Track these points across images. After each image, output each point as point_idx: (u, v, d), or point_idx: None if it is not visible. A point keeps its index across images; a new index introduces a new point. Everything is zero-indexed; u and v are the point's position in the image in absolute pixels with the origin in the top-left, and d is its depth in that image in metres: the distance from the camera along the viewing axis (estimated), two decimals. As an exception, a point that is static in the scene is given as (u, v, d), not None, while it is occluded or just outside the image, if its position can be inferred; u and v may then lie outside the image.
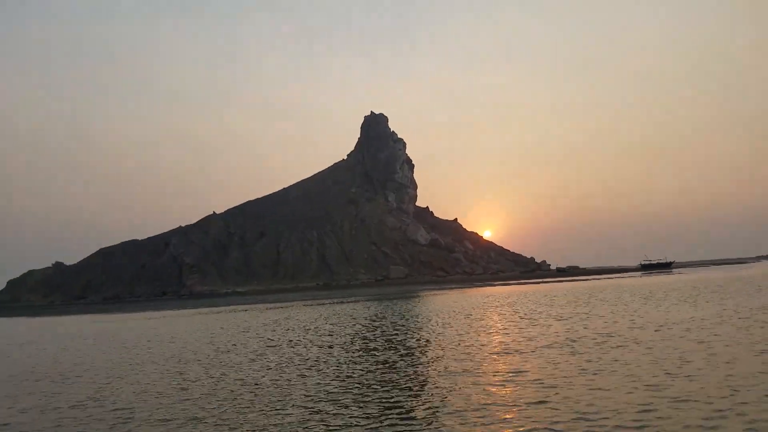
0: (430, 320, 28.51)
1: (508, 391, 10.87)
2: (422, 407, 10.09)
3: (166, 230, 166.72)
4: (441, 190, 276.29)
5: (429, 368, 14.08)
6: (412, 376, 13.04)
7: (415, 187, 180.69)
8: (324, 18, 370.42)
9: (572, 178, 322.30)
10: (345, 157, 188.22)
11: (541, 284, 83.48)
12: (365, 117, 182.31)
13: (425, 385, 12.03)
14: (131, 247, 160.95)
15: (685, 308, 26.67)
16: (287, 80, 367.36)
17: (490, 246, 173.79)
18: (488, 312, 31.44)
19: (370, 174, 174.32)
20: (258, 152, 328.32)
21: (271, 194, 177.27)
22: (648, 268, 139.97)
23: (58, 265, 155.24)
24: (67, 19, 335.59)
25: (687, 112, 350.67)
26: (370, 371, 14.10)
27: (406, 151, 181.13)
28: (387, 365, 14.90)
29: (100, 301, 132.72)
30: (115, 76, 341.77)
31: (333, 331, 25.54)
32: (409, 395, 11.10)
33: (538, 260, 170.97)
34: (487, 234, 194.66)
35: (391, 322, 28.45)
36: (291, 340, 22.77)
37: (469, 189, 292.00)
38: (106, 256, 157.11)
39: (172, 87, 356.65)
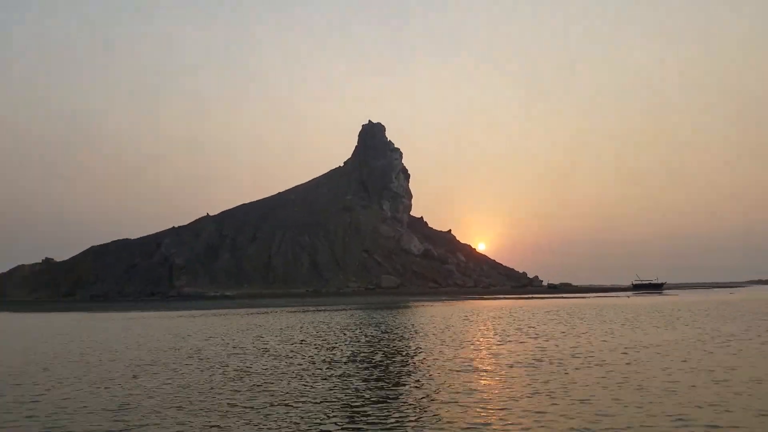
0: (405, 333, 28.07)
1: (449, 413, 10.46)
2: (351, 426, 9.66)
3: (159, 230, 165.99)
4: (436, 200, 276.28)
5: (381, 384, 13.65)
6: (359, 392, 12.61)
7: (410, 197, 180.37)
8: (326, 24, 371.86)
9: (571, 194, 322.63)
10: (342, 165, 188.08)
11: (529, 300, 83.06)
12: (363, 126, 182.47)
13: (368, 402, 11.60)
14: (123, 246, 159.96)
15: (661, 331, 26.31)
16: (288, 85, 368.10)
17: (483, 259, 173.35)
18: (467, 326, 31.01)
19: (365, 182, 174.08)
20: (255, 156, 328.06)
21: (265, 198, 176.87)
22: (639, 288, 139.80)
23: (47, 261, 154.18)
24: (69, 16, 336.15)
25: (691, 136, 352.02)
26: (316, 384, 13.66)
27: (403, 162, 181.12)
28: (339, 379, 14.46)
29: (88, 298, 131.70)
30: (114, 75, 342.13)
31: (302, 340, 25.08)
32: (344, 413, 10.66)
33: (530, 275, 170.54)
34: (481, 246, 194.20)
35: (367, 334, 27.99)
36: (249, 350, 22.30)
37: (464, 200, 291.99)
38: (96, 253, 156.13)
39: (174, 88, 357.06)
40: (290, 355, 19.84)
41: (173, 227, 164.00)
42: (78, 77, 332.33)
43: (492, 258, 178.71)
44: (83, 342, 27.13)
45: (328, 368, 16.39)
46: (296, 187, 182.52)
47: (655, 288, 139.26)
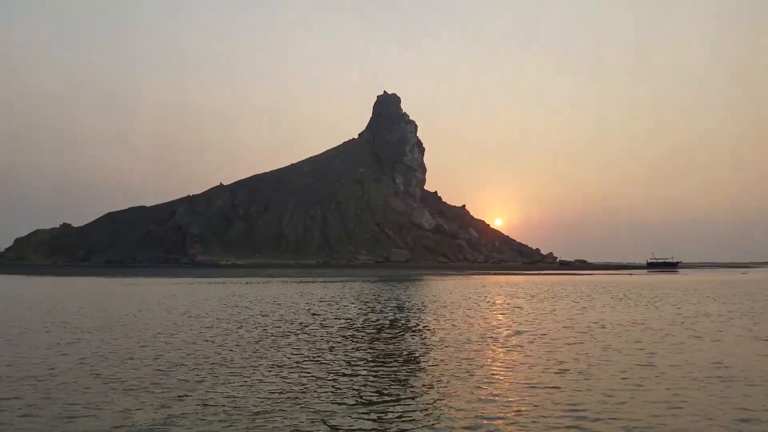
0: (380, 308, 27.36)
1: (341, 387, 9.63)
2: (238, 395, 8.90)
3: (174, 198, 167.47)
4: (451, 175, 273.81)
5: (285, 349, 12.89)
6: (275, 366, 11.87)
7: (424, 170, 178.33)
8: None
9: (592, 172, 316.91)
10: (356, 137, 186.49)
11: (534, 276, 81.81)
12: (377, 97, 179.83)
13: (261, 365, 10.84)
14: (138, 213, 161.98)
15: (640, 310, 25.12)
16: (305, 55, 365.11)
17: (495, 234, 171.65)
18: (446, 304, 30.14)
19: (379, 155, 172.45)
20: (270, 126, 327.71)
21: (279, 169, 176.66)
22: (654, 266, 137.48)
23: (65, 227, 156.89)
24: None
25: (707, 115, 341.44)
26: (251, 354, 12.95)
27: (418, 134, 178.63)
28: (278, 349, 13.75)
29: (103, 264, 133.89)
30: (138, 40, 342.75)
31: (267, 312, 24.51)
32: (250, 384, 9.92)
33: (545, 252, 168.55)
34: (497, 222, 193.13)
35: (344, 307, 27.36)
36: (212, 318, 21.79)
37: (480, 176, 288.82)
38: (113, 220, 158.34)
39: (191, 58, 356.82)
40: (242, 324, 19.22)
41: (188, 196, 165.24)
42: (100, 45, 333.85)
43: (506, 234, 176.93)
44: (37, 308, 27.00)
45: (276, 339, 15.68)
46: (310, 158, 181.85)
47: (670, 267, 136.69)
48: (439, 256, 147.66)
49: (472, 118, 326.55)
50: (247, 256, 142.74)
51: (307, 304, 27.76)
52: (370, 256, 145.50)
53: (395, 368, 11.48)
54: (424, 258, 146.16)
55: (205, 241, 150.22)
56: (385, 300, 30.71)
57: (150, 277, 69.18)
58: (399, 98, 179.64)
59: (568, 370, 11.35)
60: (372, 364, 11.93)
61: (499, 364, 11.89)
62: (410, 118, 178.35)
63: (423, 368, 11.54)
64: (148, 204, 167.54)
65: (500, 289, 42.74)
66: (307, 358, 12.56)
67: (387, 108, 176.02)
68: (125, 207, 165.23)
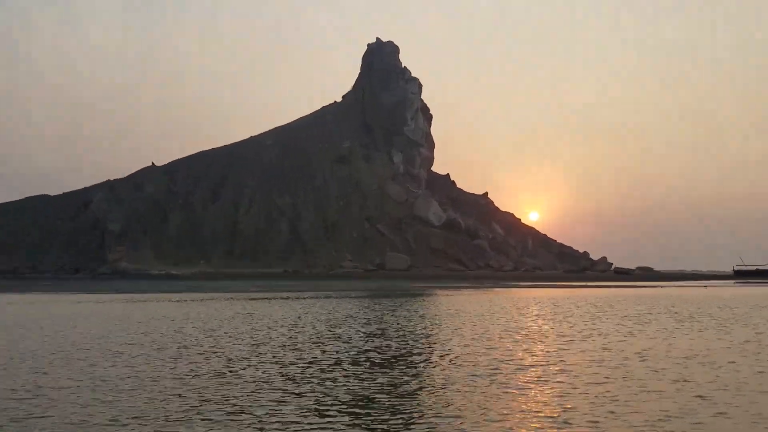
0: (348, 336, 27.33)
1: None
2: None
3: (88, 185, 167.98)
4: (469, 152, 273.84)
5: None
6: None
7: (432, 145, 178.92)
8: None
9: (667, 145, 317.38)
10: (339, 99, 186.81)
11: (581, 289, 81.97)
12: (368, 45, 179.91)
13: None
14: (39, 204, 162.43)
15: (707, 335, 25.24)
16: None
17: (529, 232, 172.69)
18: (444, 328, 30.26)
19: (370, 123, 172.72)
20: (220, 85, 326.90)
21: (232, 144, 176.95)
22: (743, 275, 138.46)
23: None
24: None
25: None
26: (129, 410, 12.79)
27: (423, 97, 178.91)
28: (178, 396, 13.58)
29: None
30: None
31: (184, 344, 24.42)
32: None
33: (595, 256, 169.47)
34: (532, 217, 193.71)
35: (298, 333, 27.33)
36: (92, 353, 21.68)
37: (508, 154, 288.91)
38: (4, 214, 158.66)
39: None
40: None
41: (107, 180, 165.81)
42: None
43: (543, 232, 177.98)
44: None
45: (187, 371, 15.52)
46: (275, 129, 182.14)
47: (766, 276, 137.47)
48: (452, 262, 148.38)
49: (494, 74, 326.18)
50: (187, 263, 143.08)
51: (248, 332, 27.67)
52: (358, 263, 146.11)
53: (335, 418, 11.29)
54: (431, 264, 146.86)
55: (132, 241, 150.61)
56: (362, 323, 30.66)
57: (51, 293, 69.14)
58: (397, 48, 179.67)
59: (574, 422, 11.16)
60: (306, 411, 11.74)
61: (481, 414, 11.71)
62: (412, 75, 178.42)
63: (369, 420, 11.33)
64: (53, 193, 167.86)
65: (526, 308, 42.78)
66: (218, 409, 12.39)
67: (381, 59, 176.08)
68: (20, 197, 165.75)
